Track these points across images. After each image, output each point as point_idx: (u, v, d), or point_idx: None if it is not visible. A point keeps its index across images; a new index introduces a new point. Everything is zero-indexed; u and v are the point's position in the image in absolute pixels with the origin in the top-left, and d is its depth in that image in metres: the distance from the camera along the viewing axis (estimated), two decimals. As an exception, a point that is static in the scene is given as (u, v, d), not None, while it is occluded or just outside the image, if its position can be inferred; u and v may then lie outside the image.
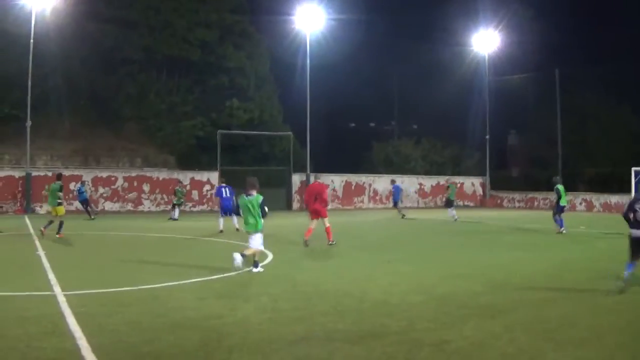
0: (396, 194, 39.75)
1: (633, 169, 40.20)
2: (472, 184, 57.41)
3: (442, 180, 53.74)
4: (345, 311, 10.23)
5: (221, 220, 25.16)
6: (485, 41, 55.46)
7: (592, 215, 41.44)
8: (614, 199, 44.71)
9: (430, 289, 12.40)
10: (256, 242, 14.54)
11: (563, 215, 26.61)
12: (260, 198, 14.52)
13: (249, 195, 14.56)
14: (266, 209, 14.62)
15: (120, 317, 9.50)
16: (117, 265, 15.65)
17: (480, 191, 57.66)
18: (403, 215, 36.74)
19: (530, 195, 53.30)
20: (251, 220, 14.45)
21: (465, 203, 55.09)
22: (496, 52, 56.54)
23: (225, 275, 13.78)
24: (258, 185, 14.82)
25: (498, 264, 16.46)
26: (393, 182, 41.44)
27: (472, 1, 59.73)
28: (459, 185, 48.36)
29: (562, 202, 26.45)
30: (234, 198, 24.71)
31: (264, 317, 9.70)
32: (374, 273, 14.60)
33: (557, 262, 17.14)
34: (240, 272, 13.91)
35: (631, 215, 12.16)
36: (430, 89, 60.26)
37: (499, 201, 56.07)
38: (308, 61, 46.93)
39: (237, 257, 13.89)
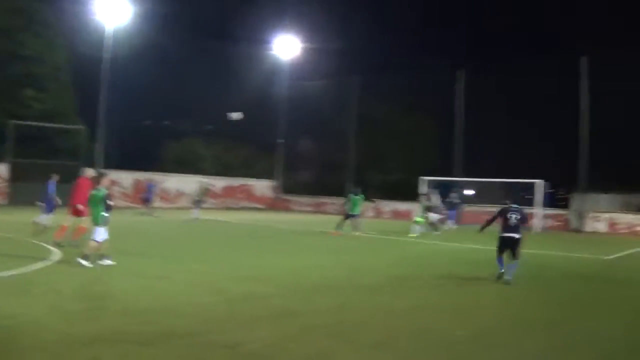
0: (149, 193, 39.77)
1: (420, 178, 42.15)
2: (262, 186, 58.06)
3: (235, 182, 54.51)
4: (138, 312, 10.13)
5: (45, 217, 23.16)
6: (286, 45, 56.42)
7: (382, 222, 42.95)
8: (403, 206, 46.10)
9: (224, 290, 12.48)
10: (99, 235, 14.77)
11: (355, 221, 28.57)
12: (104, 192, 14.94)
13: (97, 189, 15.10)
14: (110, 202, 14.91)
15: None
16: None
17: (270, 194, 58.43)
18: (150, 214, 36.93)
19: (320, 199, 54.55)
20: (95, 213, 14.91)
21: (255, 206, 55.87)
22: (296, 57, 57.63)
23: (17, 272, 13.31)
24: (106, 179, 15.41)
25: (292, 267, 16.69)
26: (149, 180, 41.52)
27: (276, 6, 60.45)
28: (211, 186, 47.76)
29: (354, 212, 28.12)
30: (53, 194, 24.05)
31: (57, 317, 9.49)
32: (167, 273, 14.44)
33: (351, 266, 17.67)
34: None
35: (501, 220, 15.65)
36: (228, 90, 60.38)
37: (288, 204, 56.80)
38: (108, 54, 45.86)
39: (83, 262, 14.44)
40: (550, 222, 40.37)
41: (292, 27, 57.30)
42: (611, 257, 23.43)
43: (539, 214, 38.82)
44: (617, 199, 49.57)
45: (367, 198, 32.64)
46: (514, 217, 15.54)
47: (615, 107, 42.32)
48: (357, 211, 29.00)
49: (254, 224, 35.07)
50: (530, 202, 39.90)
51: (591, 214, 40.14)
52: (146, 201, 39.50)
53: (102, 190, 15.07)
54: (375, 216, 48.06)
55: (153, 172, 48.24)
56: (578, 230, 39.16)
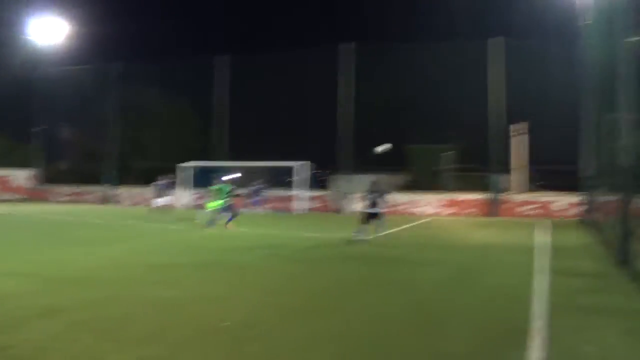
0: None
1: (179, 165, 41.98)
2: (21, 177, 55.56)
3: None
4: None
5: None
6: (44, 29, 53.97)
7: (143, 209, 41.96)
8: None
9: (-18, 290, 11.56)
10: None
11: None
12: None
13: None
14: None
15: None
16: None
17: (29, 184, 55.97)
18: None
19: (80, 189, 53.10)
20: None
21: (14, 197, 53.33)
22: (55, 41, 55.19)
23: None
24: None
25: (55, 261, 15.77)
26: None
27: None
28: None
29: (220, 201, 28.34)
30: None
31: None
32: None
33: (114, 257, 16.94)
34: None
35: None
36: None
37: (48, 195, 54.92)
38: None
39: None
40: (313, 204, 41.23)
41: (51, 10, 54.83)
42: (375, 236, 24.01)
43: (301, 196, 39.56)
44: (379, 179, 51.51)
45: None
46: (371, 199, 22.17)
47: (374, 92, 44.03)
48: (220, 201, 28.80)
49: (11, 215, 33.39)
50: (292, 185, 40.69)
51: (353, 195, 41.26)
52: None
53: None
54: (137, 203, 47.38)
55: None
56: (340, 211, 40.14)
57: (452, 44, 41.53)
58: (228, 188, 29.96)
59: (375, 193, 22.03)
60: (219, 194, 30.04)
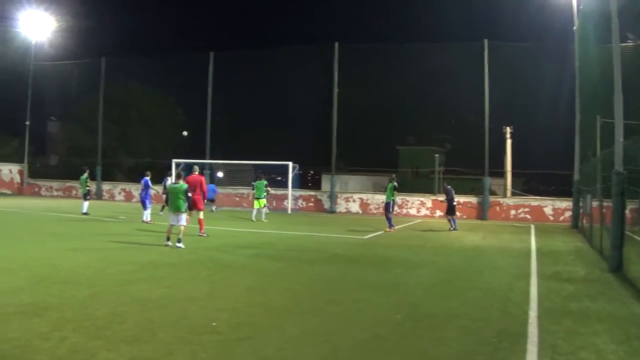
0: None
1: (174, 160, 41.67)
2: (9, 171, 55.03)
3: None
4: None
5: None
6: (34, 23, 53.67)
7: (132, 205, 42.25)
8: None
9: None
10: (183, 220, 18.72)
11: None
12: (185, 186, 18.96)
13: (176, 183, 19.28)
14: (189, 194, 19.48)
15: None
16: None
17: (18, 179, 55.49)
18: None
19: (69, 184, 52.66)
20: (179, 203, 18.59)
21: (2, 191, 52.98)
22: (44, 36, 54.88)
23: None
24: (184, 174, 20.44)
25: (42, 257, 15.42)
26: None
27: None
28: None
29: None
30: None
31: None
32: None
33: (101, 254, 16.55)
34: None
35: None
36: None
37: (37, 189, 54.56)
38: None
39: (180, 245, 18.22)
40: (302, 203, 41.14)
41: (41, 4, 54.41)
42: (367, 237, 23.92)
43: (289, 195, 39.42)
44: (368, 180, 51.52)
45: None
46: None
47: (365, 94, 43.95)
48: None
49: (1, 210, 32.89)
50: (282, 184, 40.52)
51: (344, 195, 41.19)
52: None
53: (181, 184, 19.08)
54: (125, 199, 47.49)
55: None
56: (331, 211, 40.03)
57: (443, 45, 41.32)
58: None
59: None
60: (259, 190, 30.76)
